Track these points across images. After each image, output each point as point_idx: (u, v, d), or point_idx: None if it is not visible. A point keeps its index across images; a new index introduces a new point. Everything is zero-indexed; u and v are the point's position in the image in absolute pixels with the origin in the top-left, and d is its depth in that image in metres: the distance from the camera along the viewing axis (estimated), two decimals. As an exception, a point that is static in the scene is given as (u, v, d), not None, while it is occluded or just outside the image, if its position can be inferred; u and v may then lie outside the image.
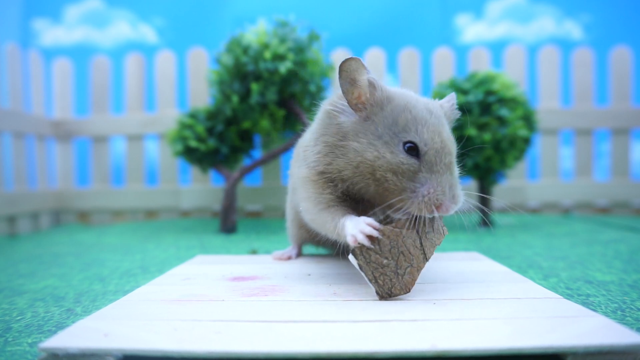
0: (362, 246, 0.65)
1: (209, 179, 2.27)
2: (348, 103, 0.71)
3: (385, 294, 0.66)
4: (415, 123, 0.68)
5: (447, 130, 0.70)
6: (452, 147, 0.70)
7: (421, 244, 0.67)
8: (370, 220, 0.67)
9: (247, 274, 0.86)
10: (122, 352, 0.49)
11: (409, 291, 0.67)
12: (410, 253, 0.66)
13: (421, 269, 0.67)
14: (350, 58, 0.68)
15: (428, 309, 0.61)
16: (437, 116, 0.70)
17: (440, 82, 1.88)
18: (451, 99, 0.78)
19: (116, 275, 1.05)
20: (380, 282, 0.66)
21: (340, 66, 0.69)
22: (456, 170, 0.70)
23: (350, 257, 0.67)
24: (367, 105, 0.70)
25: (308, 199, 0.76)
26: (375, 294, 0.67)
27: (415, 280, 0.67)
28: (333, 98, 0.76)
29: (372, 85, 0.69)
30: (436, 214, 0.66)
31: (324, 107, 0.77)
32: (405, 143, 0.67)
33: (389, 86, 0.73)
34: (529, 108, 1.71)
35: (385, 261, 0.65)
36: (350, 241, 0.66)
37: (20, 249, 1.49)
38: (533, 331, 0.52)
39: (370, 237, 0.65)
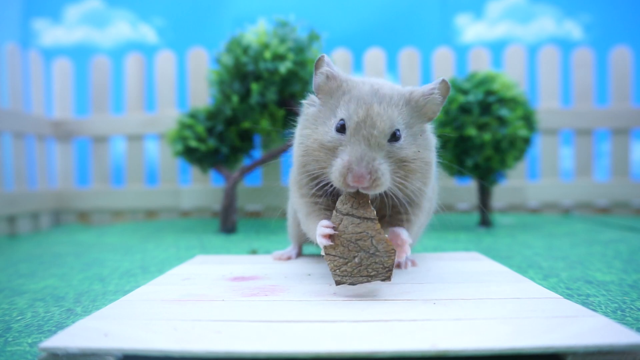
0: (326, 247, 0.69)
1: (209, 179, 2.27)
2: (313, 88, 0.76)
3: (385, 274, 0.67)
4: (349, 101, 0.69)
5: (381, 107, 0.68)
6: (381, 122, 0.67)
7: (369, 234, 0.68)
8: (325, 222, 0.70)
9: (247, 274, 0.86)
10: (122, 352, 0.49)
11: (393, 251, 0.67)
12: (361, 236, 0.67)
13: (381, 230, 0.67)
14: (321, 55, 0.74)
15: (428, 309, 0.61)
16: (380, 95, 0.69)
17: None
18: (433, 86, 0.74)
19: (116, 275, 1.05)
20: (373, 273, 0.67)
21: (315, 64, 0.75)
22: (379, 145, 0.67)
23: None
24: (323, 95, 0.74)
25: (298, 208, 0.82)
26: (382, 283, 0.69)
27: (387, 239, 0.67)
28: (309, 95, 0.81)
29: (327, 75, 0.73)
30: (351, 184, 0.65)
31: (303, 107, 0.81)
32: (339, 120, 0.69)
33: (355, 78, 0.76)
34: (529, 108, 1.70)
35: (355, 267, 0.68)
36: (319, 243, 0.70)
37: (20, 249, 1.49)
38: (533, 331, 0.52)
39: (330, 236, 0.68)
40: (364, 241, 0.67)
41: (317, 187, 0.74)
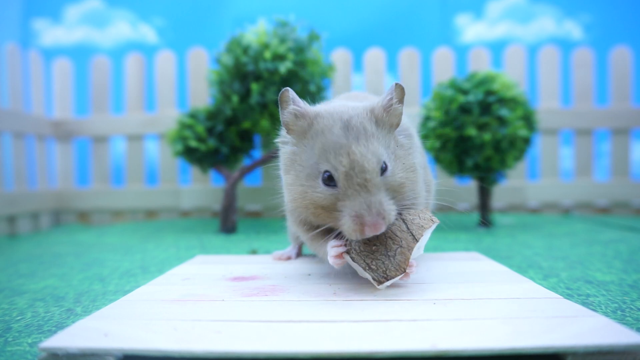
0: (349, 241, 0.69)
1: (209, 179, 2.27)
2: (283, 126, 0.74)
3: (382, 278, 0.67)
4: (327, 148, 0.67)
5: (361, 146, 0.66)
6: (367, 163, 0.65)
7: (407, 227, 0.69)
8: (334, 242, 0.70)
9: (247, 274, 0.86)
10: (122, 352, 0.49)
11: (404, 271, 0.67)
12: (397, 236, 0.68)
13: (412, 248, 0.68)
14: (284, 89, 0.71)
15: (428, 309, 0.61)
16: (353, 130, 0.67)
17: (440, 82, 1.88)
18: (389, 95, 0.72)
19: (116, 275, 1.05)
20: (374, 267, 0.67)
21: (279, 98, 0.72)
22: (376, 185, 0.65)
23: (345, 256, 0.70)
24: (295, 133, 0.72)
25: (300, 233, 0.82)
26: (373, 282, 0.68)
27: (408, 259, 0.67)
28: (281, 130, 0.78)
29: (295, 114, 0.71)
30: (369, 234, 0.64)
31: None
32: (323, 173, 0.67)
33: (323, 104, 0.74)
34: (529, 108, 1.70)
35: (374, 247, 0.68)
36: (332, 264, 0.71)
37: (20, 249, 1.49)
38: (533, 331, 0.52)
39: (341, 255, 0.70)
40: (393, 243, 0.68)
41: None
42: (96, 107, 2.30)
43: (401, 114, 0.74)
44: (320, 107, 0.74)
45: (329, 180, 0.66)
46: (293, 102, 0.71)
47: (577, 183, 2.27)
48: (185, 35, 2.52)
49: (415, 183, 0.73)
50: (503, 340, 0.49)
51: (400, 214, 0.70)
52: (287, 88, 0.71)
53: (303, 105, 0.72)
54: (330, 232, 0.71)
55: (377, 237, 0.68)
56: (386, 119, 0.71)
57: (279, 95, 0.72)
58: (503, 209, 2.28)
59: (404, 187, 0.70)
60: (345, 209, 0.65)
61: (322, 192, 0.67)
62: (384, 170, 0.67)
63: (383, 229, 0.64)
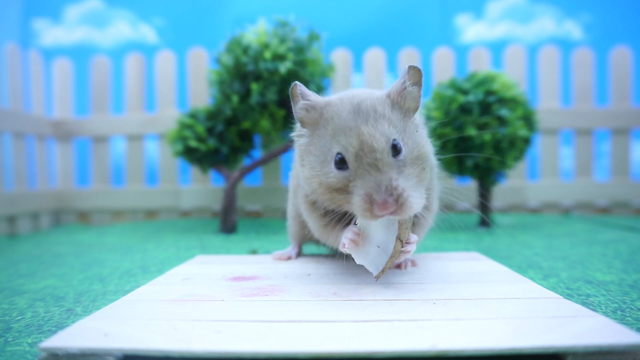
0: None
1: (209, 179, 2.27)
2: (297, 121, 0.74)
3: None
4: (337, 132, 0.68)
5: (369, 126, 0.66)
6: (376, 142, 0.64)
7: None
8: (354, 228, 0.72)
9: (247, 274, 0.86)
10: (122, 352, 0.49)
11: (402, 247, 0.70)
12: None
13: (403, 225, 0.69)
14: (294, 84, 0.72)
15: (428, 309, 0.61)
16: (363, 112, 0.67)
17: (440, 82, 1.88)
18: (402, 78, 0.71)
19: (116, 275, 1.05)
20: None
21: (290, 92, 0.73)
22: (387, 164, 0.64)
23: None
24: (308, 125, 0.73)
25: (311, 221, 0.83)
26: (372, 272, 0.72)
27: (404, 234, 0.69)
28: (296, 124, 0.80)
29: (306, 107, 0.72)
30: (379, 214, 0.63)
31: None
32: (336, 156, 0.67)
33: (334, 97, 0.74)
34: (529, 108, 1.70)
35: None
36: (340, 248, 0.73)
37: (20, 249, 1.49)
38: (533, 331, 0.52)
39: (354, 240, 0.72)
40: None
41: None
42: (96, 107, 2.30)
43: (419, 97, 0.72)
44: (331, 97, 0.75)
45: (341, 162, 0.67)
46: (302, 97, 0.72)
47: (577, 183, 2.27)
48: (185, 35, 2.52)
49: (431, 171, 0.74)
50: (503, 340, 0.49)
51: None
52: (297, 82, 0.72)
53: (313, 97, 0.73)
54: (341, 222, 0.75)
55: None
56: (402, 103, 0.71)
57: (290, 89, 0.73)
58: (503, 209, 2.28)
59: (421, 172, 0.68)
60: (355, 189, 0.65)
61: (334, 175, 0.67)
62: (398, 152, 0.66)
63: (393, 208, 0.62)
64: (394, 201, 0.62)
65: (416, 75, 0.71)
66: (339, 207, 0.71)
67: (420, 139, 0.72)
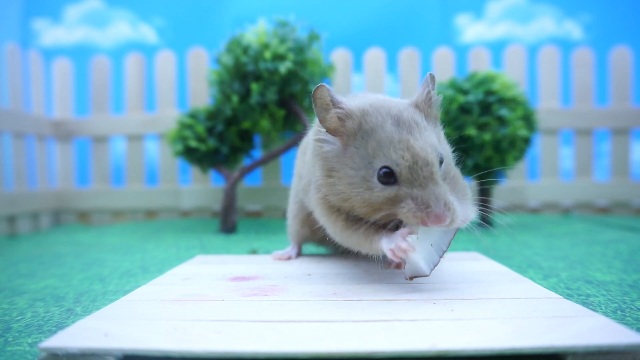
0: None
1: (209, 179, 2.27)
2: (327, 130, 0.69)
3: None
4: (382, 145, 0.65)
5: (419, 139, 0.65)
6: (429, 156, 0.64)
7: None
8: (404, 231, 0.65)
9: (247, 274, 0.86)
10: (122, 352, 0.49)
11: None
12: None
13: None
14: (320, 85, 0.67)
15: (428, 309, 0.61)
16: (407, 125, 0.66)
17: (440, 82, 1.88)
18: (425, 87, 0.71)
19: (116, 275, 1.05)
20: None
21: (313, 95, 0.68)
22: (440, 177, 0.65)
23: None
24: (343, 135, 0.68)
25: (329, 224, 0.76)
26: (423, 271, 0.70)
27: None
28: (316, 127, 0.74)
29: (341, 116, 0.68)
30: (430, 224, 0.62)
31: (312, 137, 0.75)
32: (379, 170, 0.64)
33: (357, 99, 0.71)
34: (529, 108, 1.71)
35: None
36: (389, 255, 0.66)
37: (20, 249, 1.49)
38: (533, 331, 0.52)
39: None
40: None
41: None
42: (96, 107, 2.30)
43: (441, 105, 0.73)
44: (362, 103, 0.69)
45: (386, 177, 0.64)
46: (335, 104, 0.68)
47: (577, 183, 2.27)
48: (185, 35, 2.52)
49: (462, 176, 0.74)
50: (503, 340, 0.49)
51: None
52: (323, 84, 0.67)
53: (346, 104, 0.68)
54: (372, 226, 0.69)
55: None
56: (430, 112, 0.71)
57: (313, 91, 0.67)
58: (503, 209, 2.28)
59: (459, 180, 0.69)
60: (409, 197, 0.63)
61: (380, 190, 0.64)
62: (441, 163, 0.66)
63: (447, 222, 0.62)
64: (449, 214, 0.62)
65: (434, 82, 0.72)
66: (374, 218, 0.67)
67: (447, 148, 0.73)
